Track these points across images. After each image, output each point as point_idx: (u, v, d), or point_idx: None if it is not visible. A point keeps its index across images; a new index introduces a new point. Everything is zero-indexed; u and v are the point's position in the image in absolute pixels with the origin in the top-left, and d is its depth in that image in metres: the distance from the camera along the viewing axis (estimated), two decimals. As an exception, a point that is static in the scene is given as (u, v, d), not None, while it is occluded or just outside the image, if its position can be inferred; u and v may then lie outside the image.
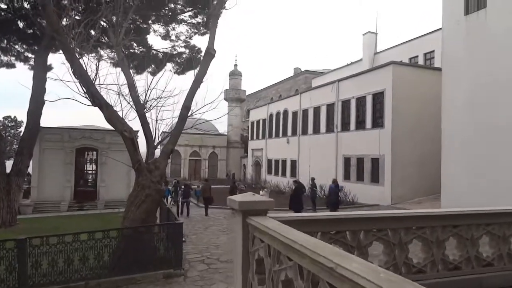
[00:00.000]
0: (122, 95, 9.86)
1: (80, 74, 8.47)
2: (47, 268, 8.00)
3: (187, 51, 17.75)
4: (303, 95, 31.42)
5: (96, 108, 9.03)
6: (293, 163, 32.13)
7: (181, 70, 18.03)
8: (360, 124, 23.80)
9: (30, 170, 20.96)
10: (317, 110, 28.90)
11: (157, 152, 10.87)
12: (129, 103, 10.07)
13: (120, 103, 14.36)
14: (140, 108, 9.82)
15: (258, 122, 41.24)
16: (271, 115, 37.81)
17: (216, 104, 10.63)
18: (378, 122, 22.20)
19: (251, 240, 3.44)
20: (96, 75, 9.21)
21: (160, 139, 10.23)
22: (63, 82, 8.36)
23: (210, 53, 9.76)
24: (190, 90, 9.75)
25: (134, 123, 11.14)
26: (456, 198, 15.35)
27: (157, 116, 10.69)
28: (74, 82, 8.26)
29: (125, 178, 23.38)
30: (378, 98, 22.17)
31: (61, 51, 18.94)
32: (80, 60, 8.72)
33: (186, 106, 9.65)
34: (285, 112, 34.59)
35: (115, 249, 8.63)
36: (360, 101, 23.80)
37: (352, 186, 23.02)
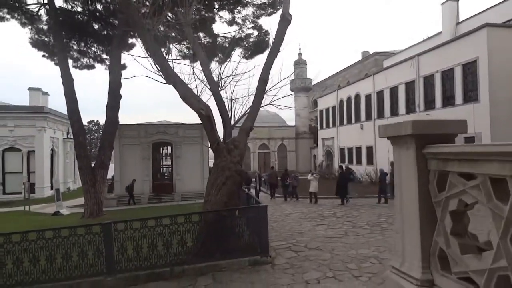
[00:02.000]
0: (195, 74, 9.30)
1: (153, 51, 8.05)
2: (132, 254, 7.74)
3: (255, 32, 17.03)
4: (377, 76, 29.14)
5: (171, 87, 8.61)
6: (369, 150, 30.04)
7: (250, 54, 17.39)
8: (448, 100, 21.18)
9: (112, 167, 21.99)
10: (394, 91, 26.55)
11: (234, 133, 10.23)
12: (202, 81, 9.53)
13: (195, 80, 14.12)
14: (214, 86, 9.23)
15: (327, 110, 39.49)
16: (341, 101, 35.88)
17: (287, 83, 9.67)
18: (470, 95, 19.50)
19: (434, 183, 2.36)
20: (168, 52, 8.80)
21: (236, 119, 9.55)
22: (136, 60, 7.99)
23: (286, 18, 8.82)
24: (266, 61, 8.92)
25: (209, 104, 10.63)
26: None
27: (231, 95, 10.03)
28: (147, 57, 7.86)
29: (199, 171, 23.61)
30: (470, 68, 19.46)
31: (135, 46, 19.33)
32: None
33: (263, 79, 8.83)
34: (357, 96, 32.51)
35: (198, 234, 8.12)
36: (447, 74, 21.17)
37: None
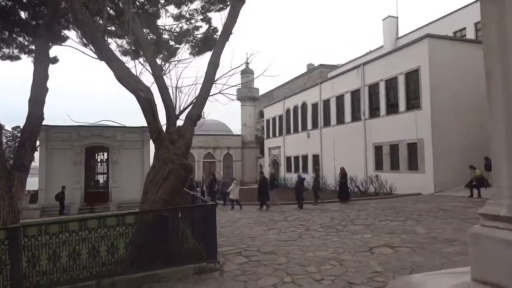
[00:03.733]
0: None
1: (81, 20, 6.73)
2: (47, 265, 6.22)
3: (204, 26, 15.98)
4: (323, 84, 29.48)
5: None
6: (315, 157, 30.11)
7: (197, 51, 16.25)
8: (392, 108, 21.74)
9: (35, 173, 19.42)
10: (340, 99, 26.92)
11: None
12: (143, 65, 8.32)
13: (135, 66, 12.73)
14: (157, 70, 8.06)
15: (274, 119, 39.35)
16: (288, 110, 35.90)
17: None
18: (413, 103, 20.14)
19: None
20: (103, 30, 7.52)
21: (181, 109, 8.41)
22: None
23: (241, -3, 7.97)
24: (217, 43, 8.03)
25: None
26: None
27: (176, 83, 8.92)
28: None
29: (139, 178, 21.69)
30: (412, 77, 20.14)
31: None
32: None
33: (214, 62, 7.86)
34: (304, 105, 32.66)
35: (133, 239, 6.81)
36: (391, 83, 21.77)
37: (386, 176, 20.94)
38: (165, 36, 17.63)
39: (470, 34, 24.33)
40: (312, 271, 6.60)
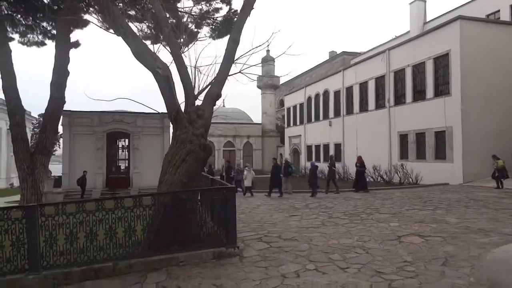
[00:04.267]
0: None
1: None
2: (64, 245, 6.09)
3: (224, 8, 15.60)
4: (346, 71, 28.63)
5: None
6: (337, 146, 29.45)
7: (218, 34, 15.92)
8: (419, 94, 20.83)
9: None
10: (363, 86, 26.08)
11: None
12: (161, 43, 8.01)
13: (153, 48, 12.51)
14: (176, 48, 7.74)
15: (294, 107, 38.73)
16: (309, 98, 35.19)
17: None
18: (442, 89, 19.20)
19: None
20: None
21: (200, 89, 8.09)
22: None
23: (262, -31, 7.53)
24: (238, 18, 7.62)
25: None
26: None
27: (196, 63, 8.58)
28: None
29: (160, 164, 21.68)
30: (441, 62, 19.16)
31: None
32: None
33: (234, 39, 7.50)
34: (326, 92, 31.90)
35: (151, 221, 6.62)
36: (418, 68, 20.83)
37: (412, 165, 20.16)
38: (185, 19, 17.37)
39: (505, 16, 22.91)
40: (336, 258, 6.25)
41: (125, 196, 6.63)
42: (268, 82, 46.68)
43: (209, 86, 7.63)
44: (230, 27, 16.21)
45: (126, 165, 22.88)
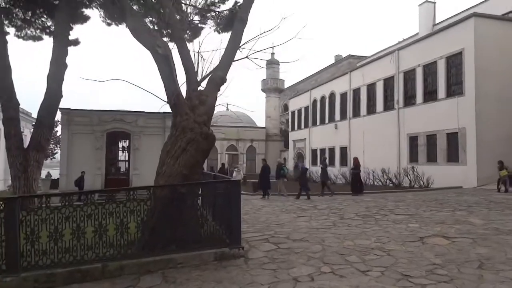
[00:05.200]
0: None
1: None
2: (47, 243, 5.40)
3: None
4: (353, 73, 27.99)
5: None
6: (343, 150, 28.71)
7: (222, 27, 15.31)
8: (430, 95, 20.11)
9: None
10: (371, 88, 25.39)
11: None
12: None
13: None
14: (178, 31, 7.10)
15: (299, 110, 38.05)
16: (314, 101, 34.53)
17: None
18: (455, 89, 18.47)
19: None
20: None
21: (203, 75, 7.43)
22: None
23: None
24: (246, -4, 6.93)
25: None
26: None
27: (199, 48, 7.93)
28: None
29: (160, 165, 21.08)
30: (454, 61, 18.47)
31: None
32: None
33: (241, 18, 6.87)
34: (332, 95, 31.25)
35: (146, 217, 5.93)
36: (429, 68, 20.14)
37: (422, 169, 19.38)
38: (189, 10, 16.77)
39: (518, 17, 22.24)
40: (354, 260, 5.52)
41: (117, 189, 5.94)
42: (272, 86, 46.18)
43: (213, 70, 6.97)
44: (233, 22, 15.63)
45: (126, 166, 22.21)
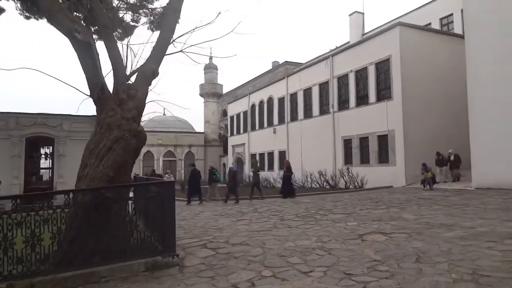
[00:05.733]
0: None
1: None
2: None
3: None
4: (290, 78, 28.52)
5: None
6: (282, 154, 29.03)
7: (157, 25, 14.54)
8: (362, 100, 21.06)
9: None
10: (307, 92, 26.04)
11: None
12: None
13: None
14: (103, 17, 6.41)
15: (238, 115, 37.94)
16: (253, 106, 34.65)
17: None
18: (384, 94, 19.54)
19: None
20: None
21: (133, 69, 6.78)
22: None
23: None
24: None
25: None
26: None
27: (128, 41, 7.32)
28: None
29: (89, 172, 19.43)
30: (383, 67, 19.56)
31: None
32: None
33: (173, 8, 6.38)
34: (270, 100, 31.56)
35: (64, 227, 5.16)
36: (360, 74, 21.12)
37: (356, 170, 20.18)
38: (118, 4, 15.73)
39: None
40: (295, 262, 5.29)
41: (28, 194, 5.10)
42: (210, 90, 45.61)
43: (144, 63, 6.37)
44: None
45: (50, 174, 20.17)
